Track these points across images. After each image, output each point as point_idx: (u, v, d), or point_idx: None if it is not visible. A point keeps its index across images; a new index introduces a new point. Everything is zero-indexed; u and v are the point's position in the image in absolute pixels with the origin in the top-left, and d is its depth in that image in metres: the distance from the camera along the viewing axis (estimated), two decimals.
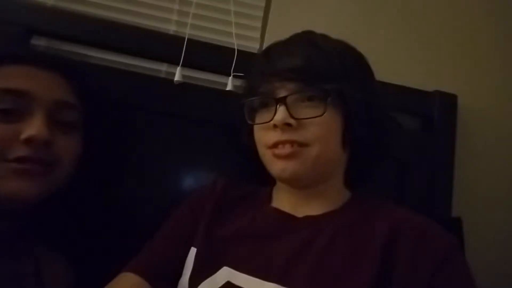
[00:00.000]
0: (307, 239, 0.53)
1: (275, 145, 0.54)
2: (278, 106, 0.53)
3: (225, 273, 0.52)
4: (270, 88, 0.55)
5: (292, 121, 0.53)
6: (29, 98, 0.53)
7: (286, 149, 0.53)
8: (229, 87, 0.75)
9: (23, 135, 0.51)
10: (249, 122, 0.59)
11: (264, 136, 0.56)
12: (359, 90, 0.56)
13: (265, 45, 0.88)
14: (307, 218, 0.56)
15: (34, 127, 0.51)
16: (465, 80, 0.92)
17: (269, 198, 0.62)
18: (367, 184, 0.64)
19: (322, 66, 0.54)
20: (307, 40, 0.58)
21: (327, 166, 0.57)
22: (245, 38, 0.88)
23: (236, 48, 0.76)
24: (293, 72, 0.54)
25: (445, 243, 0.50)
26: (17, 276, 0.53)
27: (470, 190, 0.87)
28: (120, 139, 0.72)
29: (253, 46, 0.89)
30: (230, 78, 0.75)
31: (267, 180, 0.63)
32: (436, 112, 0.84)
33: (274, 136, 0.54)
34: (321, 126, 0.53)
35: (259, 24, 0.90)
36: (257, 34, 0.90)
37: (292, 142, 0.53)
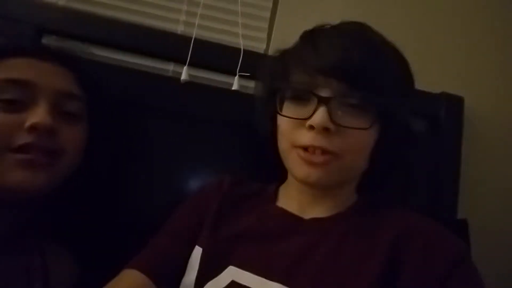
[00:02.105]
0: (313, 241, 0.52)
1: (304, 147, 0.50)
2: (318, 105, 0.48)
3: (231, 272, 0.52)
4: (311, 81, 0.50)
5: (332, 127, 0.48)
6: (33, 88, 0.54)
7: (317, 157, 0.49)
8: (235, 87, 0.76)
9: (27, 123, 0.51)
10: (279, 112, 0.53)
11: (294, 133, 0.51)
12: (405, 106, 0.52)
13: (271, 46, 0.89)
14: (314, 220, 0.55)
15: (37, 115, 0.52)
16: (472, 82, 0.91)
17: (275, 197, 0.61)
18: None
19: (378, 72, 0.49)
20: (364, 36, 0.52)
21: (351, 175, 0.56)
22: (252, 39, 0.89)
23: (242, 48, 0.77)
24: (345, 72, 0.48)
25: (454, 248, 0.49)
26: (24, 270, 0.53)
27: (476, 192, 0.86)
28: (126, 135, 0.73)
29: (260, 47, 0.90)
30: (236, 77, 0.76)
31: (275, 175, 0.62)
32: (443, 114, 0.83)
33: (306, 138, 0.49)
34: (359, 139, 0.50)
35: (266, 25, 0.91)
36: (263, 35, 0.91)
37: (324, 150, 0.49)
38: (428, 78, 0.88)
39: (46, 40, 0.78)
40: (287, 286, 0.49)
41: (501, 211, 0.88)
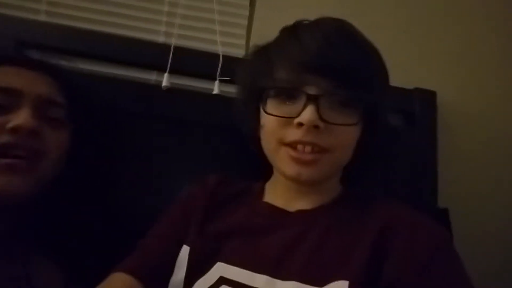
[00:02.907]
0: (299, 232, 0.53)
1: (293, 144, 0.51)
2: (307, 103, 0.49)
3: (219, 269, 0.52)
4: (298, 79, 0.50)
5: (321, 124, 0.49)
6: (17, 94, 0.55)
7: (306, 155, 0.50)
8: (215, 91, 0.78)
9: (9, 124, 0.53)
10: (265, 111, 0.53)
11: (281, 131, 0.51)
12: (386, 101, 0.55)
13: (250, 52, 0.91)
14: (300, 212, 0.56)
15: (20, 118, 0.53)
16: (443, 77, 0.95)
17: (261, 194, 0.61)
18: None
19: (364, 68, 0.51)
20: (347, 33, 0.52)
21: (338, 169, 0.57)
22: (231, 46, 0.91)
23: (221, 53, 0.79)
24: (334, 70, 0.49)
25: (437, 235, 0.50)
26: (7, 279, 0.53)
27: (453, 181, 0.89)
28: (111, 142, 0.74)
29: (239, 53, 0.92)
30: (216, 82, 0.78)
31: (260, 175, 0.63)
32: (417, 109, 0.86)
33: (295, 135, 0.50)
34: (347, 134, 0.51)
35: (243, 32, 0.93)
36: (242, 42, 0.93)
37: (314, 145, 0.50)
38: (401, 75, 0.92)
39: (28, 55, 0.79)
40: (275, 278, 0.49)
41: (478, 198, 0.91)
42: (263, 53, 0.57)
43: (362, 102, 0.50)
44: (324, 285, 0.47)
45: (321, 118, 0.49)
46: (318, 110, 0.48)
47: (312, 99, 0.49)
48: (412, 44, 0.96)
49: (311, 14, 0.94)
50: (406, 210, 0.54)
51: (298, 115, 0.49)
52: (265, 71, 0.54)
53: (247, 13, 0.94)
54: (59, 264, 0.61)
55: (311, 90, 0.49)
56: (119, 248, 0.57)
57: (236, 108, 0.62)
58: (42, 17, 0.86)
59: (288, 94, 0.51)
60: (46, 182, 0.57)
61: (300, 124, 0.49)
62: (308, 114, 0.48)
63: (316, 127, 0.49)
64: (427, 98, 0.87)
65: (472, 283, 0.47)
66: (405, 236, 0.49)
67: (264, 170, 0.62)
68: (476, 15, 0.99)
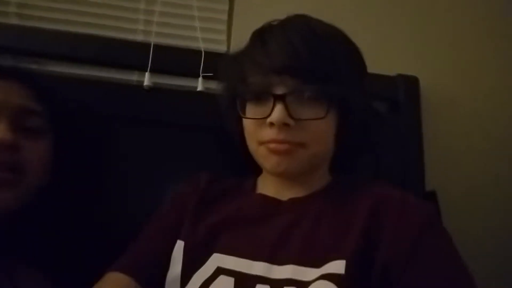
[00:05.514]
0: (293, 219, 0.54)
1: (269, 143, 0.53)
2: (275, 103, 0.51)
3: (215, 259, 0.53)
4: (266, 81, 0.52)
5: (291, 121, 0.51)
6: None
7: (283, 146, 0.52)
8: (199, 88, 0.77)
9: None
10: (241, 115, 0.56)
11: (257, 132, 0.54)
12: (360, 92, 0.56)
13: (232, 47, 0.90)
14: (292, 200, 0.57)
15: None
16: (424, 63, 0.96)
17: (254, 187, 0.63)
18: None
19: (328, 63, 0.52)
20: (310, 30, 0.53)
21: (319, 161, 0.58)
22: (212, 42, 0.89)
23: (202, 49, 0.78)
24: (297, 69, 0.51)
25: (424, 210, 0.52)
26: None
27: (439, 165, 0.91)
28: (96, 147, 0.72)
29: (221, 49, 0.91)
30: (200, 79, 0.77)
31: (250, 172, 0.64)
32: (401, 95, 0.87)
33: (269, 134, 0.52)
34: (319, 127, 0.53)
35: (224, 27, 0.92)
36: (223, 37, 0.92)
37: (288, 142, 0.52)
38: (384, 61, 0.93)
39: (3, 61, 0.76)
40: (272, 264, 0.50)
41: (463, 180, 0.93)
42: (236, 59, 0.59)
43: (329, 95, 0.52)
44: (322, 265, 0.48)
45: (290, 115, 0.51)
46: (286, 108, 0.50)
47: (279, 99, 0.51)
48: (394, 31, 0.97)
49: (291, 7, 0.94)
50: (394, 190, 0.56)
51: (269, 115, 0.51)
52: (238, 78, 0.57)
53: (226, 7, 0.93)
54: (48, 276, 0.59)
55: (278, 90, 0.51)
56: (109, 255, 0.56)
57: (222, 113, 0.64)
58: (13, 20, 0.83)
59: (258, 96, 0.54)
60: (32, 194, 0.55)
61: (272, 124, 0.51)
62: (277, 113, 0.50)
63: (286, 125, 0.51)
64: (409, 84, 0.88)
65: (460, 257, 0.48)
66: (395, 215, 0.51)
67: (254, 168, 0.62)
68: (456, 1, 1.00)
